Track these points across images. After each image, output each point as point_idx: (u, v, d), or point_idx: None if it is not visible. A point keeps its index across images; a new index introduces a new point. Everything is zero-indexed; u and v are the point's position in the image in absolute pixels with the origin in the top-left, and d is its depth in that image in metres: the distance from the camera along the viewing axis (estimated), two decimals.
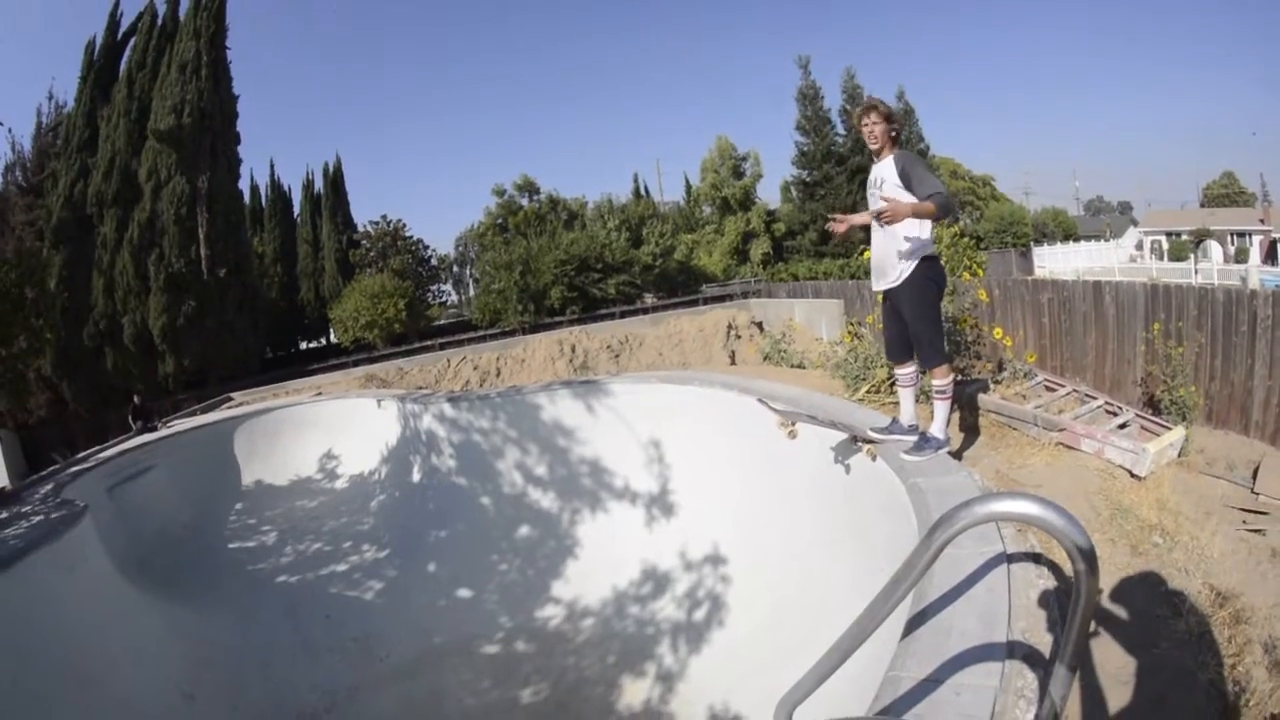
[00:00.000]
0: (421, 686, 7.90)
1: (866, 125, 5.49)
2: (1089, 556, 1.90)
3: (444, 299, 46.00)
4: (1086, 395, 7.64)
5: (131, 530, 9.28)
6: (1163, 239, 53.83)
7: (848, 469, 6.16)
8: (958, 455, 5.90)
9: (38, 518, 7.60)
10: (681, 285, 38.96)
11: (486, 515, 10.39)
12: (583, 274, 33.21)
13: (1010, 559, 3.67)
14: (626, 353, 26.05)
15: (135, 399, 15.88)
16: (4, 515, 7.59)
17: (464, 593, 9.30)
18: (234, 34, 27.50)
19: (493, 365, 24.63)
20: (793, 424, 6.59)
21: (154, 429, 13.39)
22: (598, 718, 6.87)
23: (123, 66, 26.31)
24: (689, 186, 54.37)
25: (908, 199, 5.05)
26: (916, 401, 5.96)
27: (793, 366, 15.12)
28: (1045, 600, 3.37)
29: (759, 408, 7.75)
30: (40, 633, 5.96)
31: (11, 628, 5.67)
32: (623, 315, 31.53)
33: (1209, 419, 9.43)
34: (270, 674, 7.76)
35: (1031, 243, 51.68)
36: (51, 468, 10.80)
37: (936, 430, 5.56)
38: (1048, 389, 7.91)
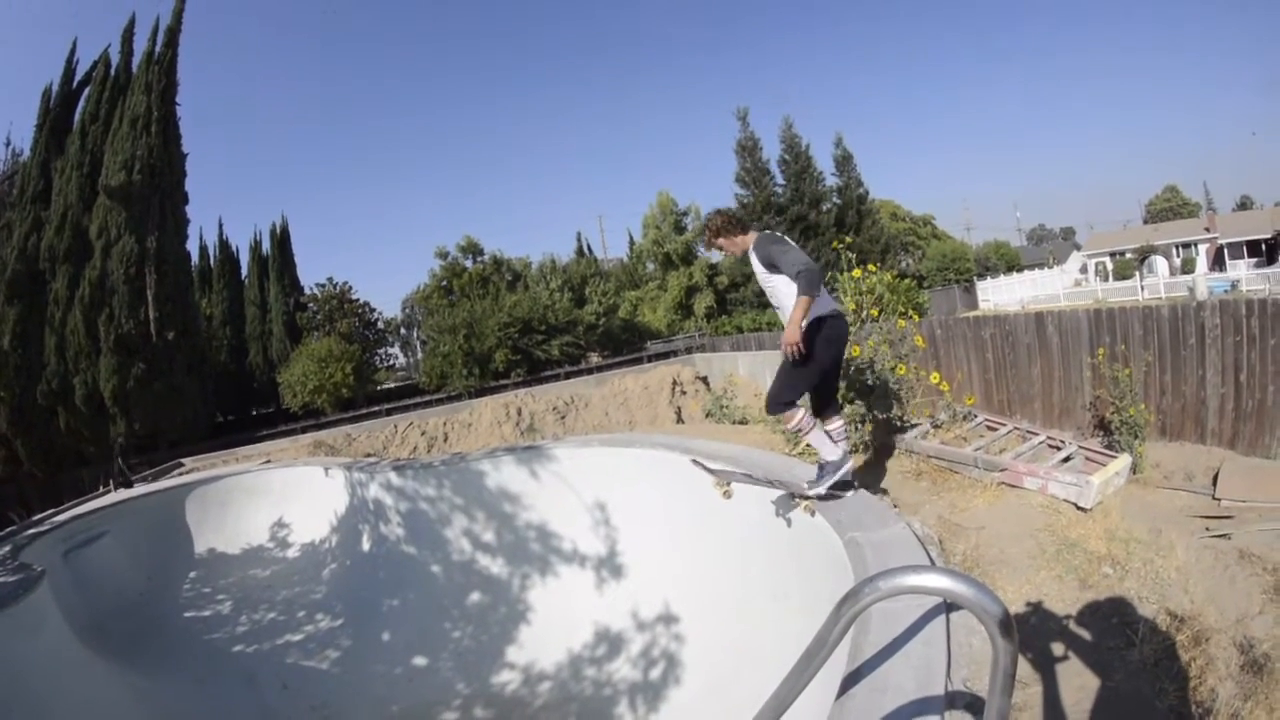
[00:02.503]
0: None
1: (715, 248, 5.89)
2: (1004, 623, 2.07)
3: (391, 362, 45.87)
4: (1028, 432, 7.82)
5: (88, 598, 9.31)
6: (1107, 260, 55.45)
7: (789, 523, 6.30)
8: (898, 503, 6.09)
9: None
10: (626, 343, 39.43)
11: (437, 583, 10.49)
12: (526, 336, 33.50)
13: (949, 607, 3.69)
14: (572, 414, 26.35)
15: (120, 439, 15.83)
16: None
17: (419, 660, 9.39)
18: (183, 90, 27.70)
19: (440, 430, 24.79)
20: (727, 484, 6.88)
21: (130, 484, 13.50)
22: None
23: (76, 117, 26.40)
24: (632, 243, 54.92)
25: (781, 282, 5.33)
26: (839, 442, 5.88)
27: (735, 423, 15.50)
28: (986, 646, 3.40)
29: (698, 472, 7.80)
30: (7, 697, 6.02)
31: None
32: (568, 376, 31.92)
33: (1163, 433, 9.63)
34: None
35: (975, 277, 52.82)
36: (8, 529, 10.82)
37: (827, 456, 5.70)
38: (989, 428, 8.06)
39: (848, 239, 9.23)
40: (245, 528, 12.79)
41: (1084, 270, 57.32)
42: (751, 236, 5.69)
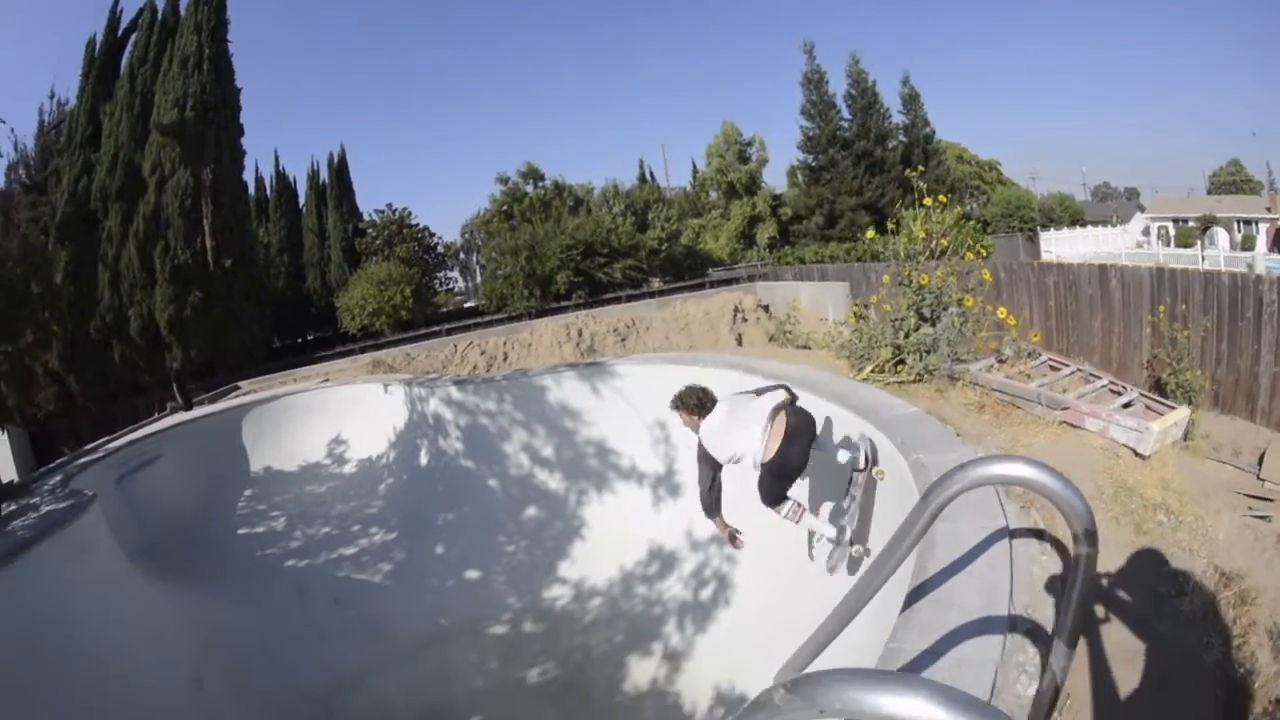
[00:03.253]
0: (429, 668, 7.93)
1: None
2: (1089, 527, 1.84)
3: (450, 286, 45.90)
4: (1091, 375, 7.50)
5: (141, 520, 9.24)
6: (1169, 225, 53.28)
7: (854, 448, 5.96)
8: (960, 433, 5.78)
9: (46, 508, 7.55)
10: (688, 269, 38.81)
11: (494, 497, 10.39)
12: (588, 259, 33.03)
13: (1013, 534, 3.63)
14: (633, 336, 25.95)
15: (175, 364, 15.84)
16: (12, 507, 7.54)
17: (472, 574, 9.31)
18: (235, 27, 27.40)
19: (500, 349, 24.55)
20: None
21: (188, 407, 13.58)
22: (604, 697, 6.87)
23: (124, 63, 26.21)
24: (695, 172, 53.97)
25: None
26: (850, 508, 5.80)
27: (798, 348, 15.03)
28: (1047, 576, 3.34)
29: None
30: (48, 622, 5.93)
31: (18, 618, 5.63)
32: (629, 299, 31.38)
33: (1215, 404, 9.41)
34: (278, 658, 7.78)
35: (1038, 227, 51.16)
36: (60, 460, 10.77)
37: (827, 533, 5.82)
38: (1052, 368, 7.79)
39: (920, 168, 8.74)
40: (302, 446, 12.67)
41: (1146, 233, 54.76)
42: (701, 424, 5.92)
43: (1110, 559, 3.84)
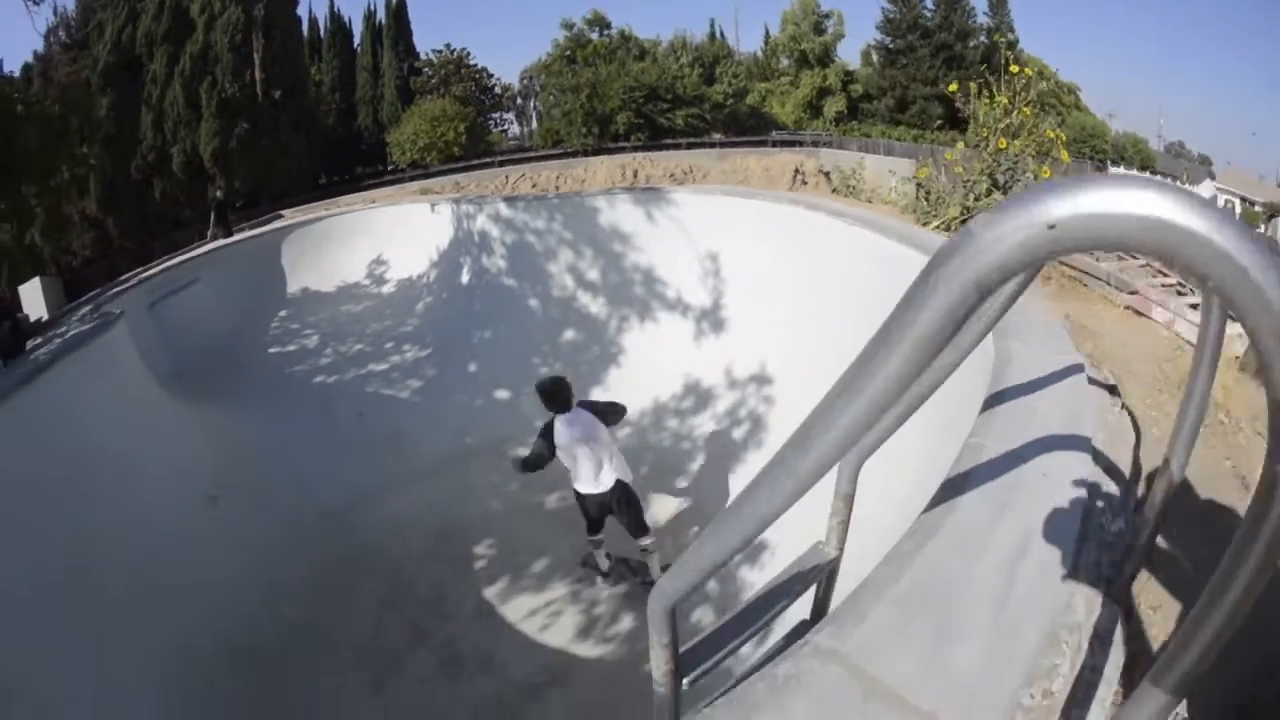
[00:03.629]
0: (449, 486, 7.74)
1: None
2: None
3: (505, 128, 45.12)
4: (1160, 271, 7.27)
5: (172, 345, 9.04)
6: (1236, 202, 50.42)
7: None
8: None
9: (71, 333, 7.39)
10: (750, 128, 37.39)
11: (533, 317, 10.12)
12: (651, 102, 31.96)
13: (1091, 381, 3.36)
14: (689, 183, 25.04)
15: (218, 193, 15.64)
16: (38, 340, 7.37)
17: (501, 394, 9.07)
18: None
19: (551, 183, 23.73)
20: None
21: (231, 232, 13.27)
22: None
23: None
24: (767, 38, 51.53)
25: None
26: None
27: (864, 201, 14.44)
28: (1122, 422, 3.15)
29: (820, 227, 7.61)
30: (69, 435, 5.83)
31: (36, 436, 5.52)
32: (689, 147, 30.31)
33: None
34: (297, 473, 7.63)
35: (1109, 161, 48.61)
36: (92, 293, 10.56)
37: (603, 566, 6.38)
38: (1120, 259, 7.52)
39: (1013, 69, 8.17)
40: (342, 267, 12.37)
41: (1214, 201, 51.69)
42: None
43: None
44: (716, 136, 34.81)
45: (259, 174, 23.96)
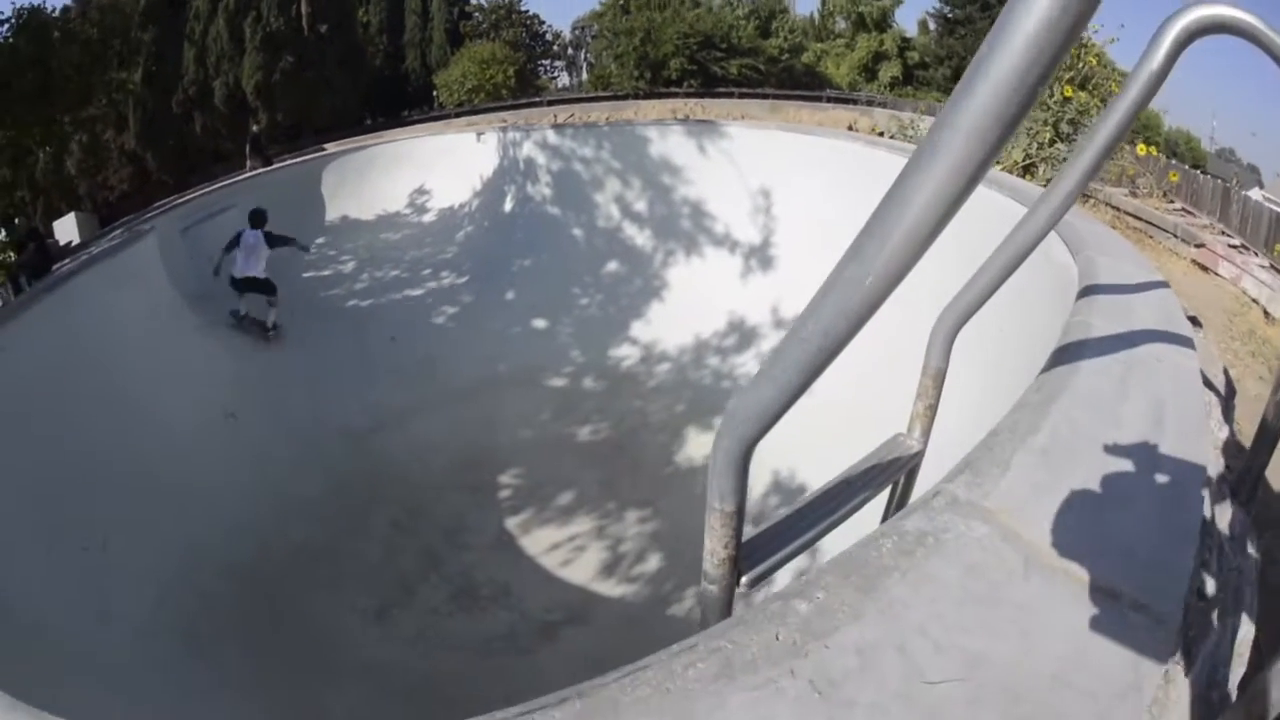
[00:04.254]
0: (477, 413, 7.45)
1: None
2: None
3: (555, 75, 44.82)
4: (1224, 231, 6.91)
5: (203, 269, 8.79)
6: None
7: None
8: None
9: (100, 250, 7.25)
10: (805, 85, 36.67)
11: (576, 247, 9.81)
12: (705, 50, 31.41)
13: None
14: None
15: (254, 127, 15.53)
16: (66, 262, 7.22)
17: (539, 323, 8.82)
18: None
19: (601, 121, 23.61)
20: None
21: (270, 163, 13.10)
22: (655, 466, 6.35)
23: None
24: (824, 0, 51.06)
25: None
26: None
27: None
28: (1207, 347, 3.08)
29: (880, 162, 7.29)
30: (90, 345, 5.65)
31: (60, 340, 5.36)
32: (741, 96, 29.75)
33: None
34: (319, 393, 7.40)
35: (1160, 154, 47.59)
36: (126, 218, 10.42)
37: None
38: (1186, 212, 7.14)
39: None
40: (383, 195, 11.98)
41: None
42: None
43: (1245, 391, 3.89)
44: (769, 90, 34.04)
45: (302, 108, 23.86)
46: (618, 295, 9.03)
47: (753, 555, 1.31)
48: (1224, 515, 1.65)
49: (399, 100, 34.39)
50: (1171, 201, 7.95)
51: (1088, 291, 2.86)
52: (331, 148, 17.06)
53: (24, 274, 9.23)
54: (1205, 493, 1.54)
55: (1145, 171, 9.00)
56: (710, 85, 31.22)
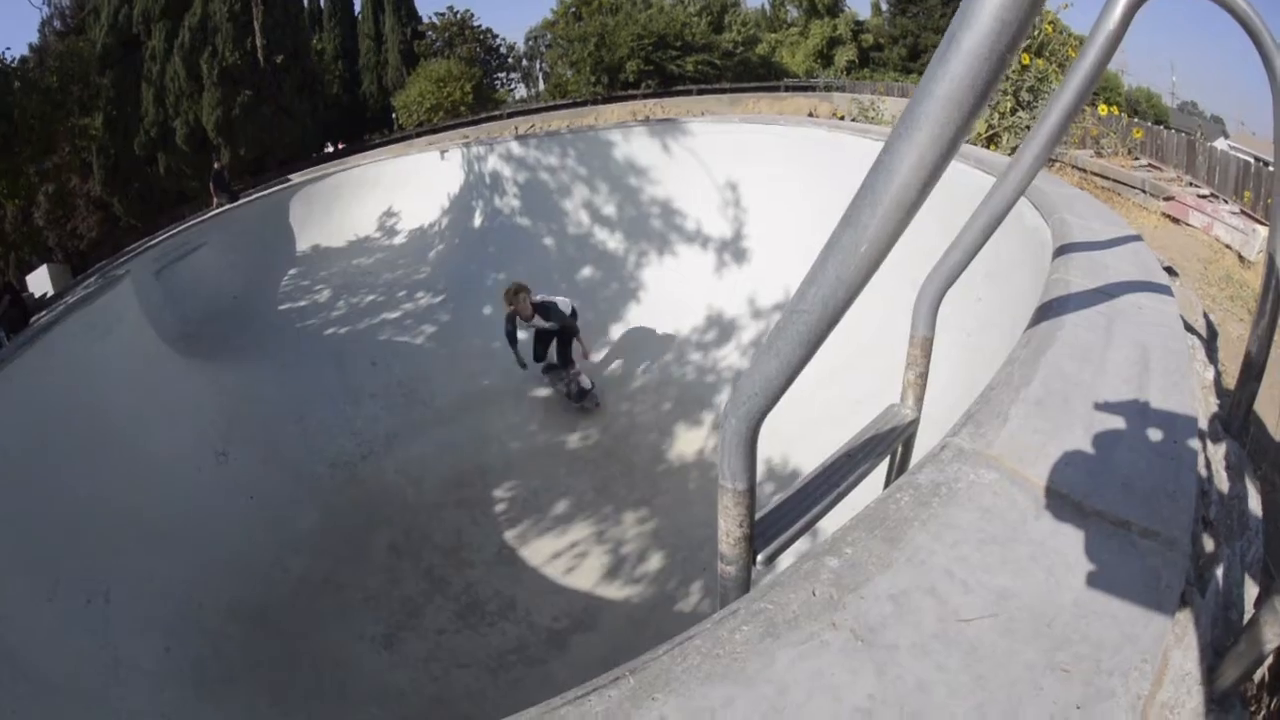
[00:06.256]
0: (465, 430, 7.49)
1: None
2: None
3: (513, 87, 44.86)
4: (1191, 183, 7.03)
5: (180, 309, 8.81)
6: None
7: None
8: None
9: (75, 299, 7.24)
10: (761, 77, 36.80)
11: (548, 256, 9.86)
12: (660, 50, 31.39)
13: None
14: None
15: (216, 164, 15.47)
16: (43, 314, 7.21)
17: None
18: None
19: (562, 129, 23.62)
20: None
21: (237, 198, 13.04)
22: (647, 465, 6.43)
23: None
24: None
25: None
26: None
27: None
28: (1186, 294, 3.23)
29: (846, 146, 7.37)
30: (73, 394, 5.63)
31: (43, 391, 5.34)
32: (700, 93, 29.68)
33: None
34: (307, 425, 7.41)
35: (1123, 113, 48.12)
36: (98, 265, 10.39)
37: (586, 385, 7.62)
38: (1152, 167, 7.25)
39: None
40: (352, 221, 11.99)
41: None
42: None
43: (1230, 335, 4.01)
44: (727, 84, 34.13)
45: (264, 140, 23.83)
46: (595, 300, 9.03)
47: (766, 533, 1.37)
48: (1219, 448, 1.80)
49: (359, 125, 34.30)
50: (1137, 158, 8.05)
51: (1063, 251, 2.94)
52: (296, 178, 16.96)
53: (1, 329, 9.21)
54: (1198, 427, 1.61)
55: (1109, 131, 9.07)
56: (668, 84, 31.23)
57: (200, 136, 23.29)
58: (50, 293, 11.15)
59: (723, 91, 30.19)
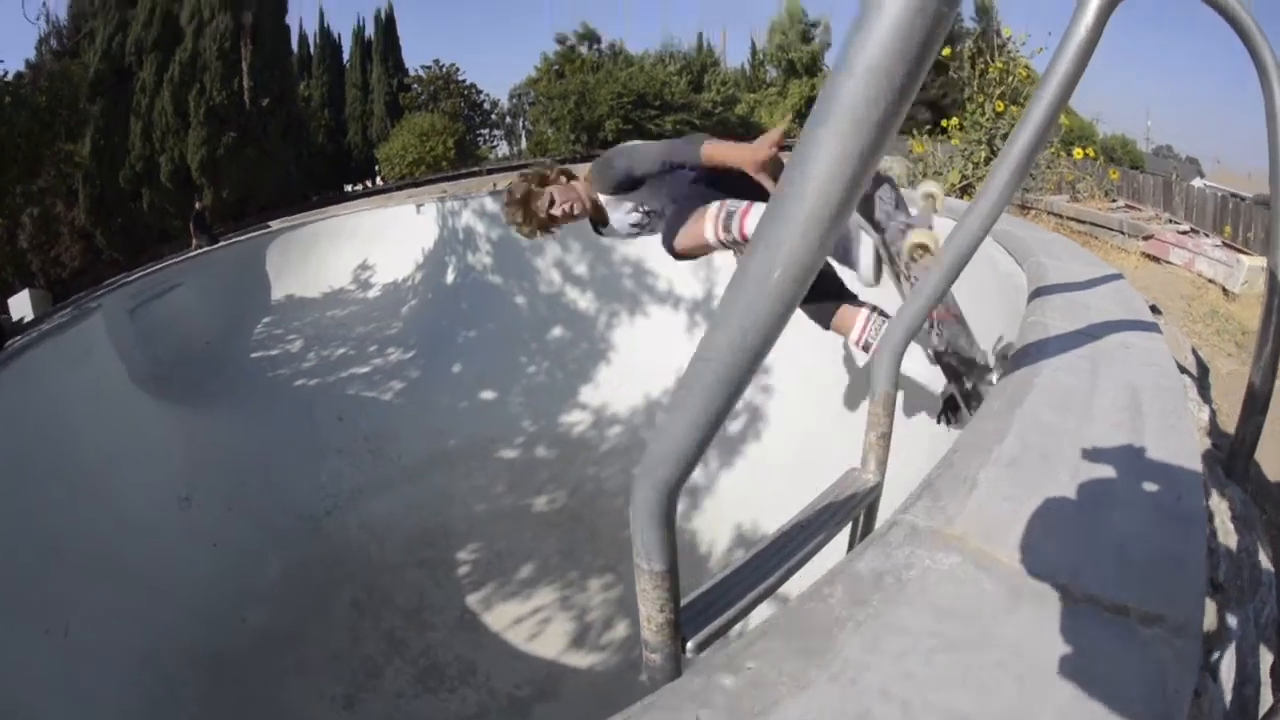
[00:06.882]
0: (430, 489, 7.48)
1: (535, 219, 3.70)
2: None
3: (495, 144, 45.23)
4: (1170, 220, 7.23)
5: (151, 349, 8.76)
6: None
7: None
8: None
9: (49, 327, 7.23)
10: (740, 137, 37.48)
11: (519, 315, 9.88)
12: (640, 109, 31.93)
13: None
14: None
15: (197, 205, 15.51)
16: (18, 339, 7.18)
17: (487, 394, 8.84)
18: None
19: None
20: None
21: (216, 240, 13.10)
22: (613, 530, 6.44)
23: None
24: (754, 51, 51.86)
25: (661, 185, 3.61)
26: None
27: None
28: (1173, 331, 3.36)
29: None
30: (38, 428, 5.57)
31: (12, 415, 5.31)
32: None
33: None
34: (272, 476, 7.36)
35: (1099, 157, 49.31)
36: (75, 296, 10.40)
37: None
38: (1130, 208, 7.42)
39: (990, 66, 8.31)
40: (327, 272, 12.08)
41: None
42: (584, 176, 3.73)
43: (1219, 370, 3.87)
44: None
45: (246, 184, 23.94)
46: (565, 361, 9.09)
47: (697, 617, 1.19)
48: (1221, 496, 1.66)
49: (342, 174, 34.51)
50: (1114, 200, 8.19)
51: (1039, 293, 2.74)
52: (276, 224, 17.09)
53: None
54: (1199, 475, 1.37)
55: (1084, 175, 9.11)
56: None
57: (184, 175, 23.40)
58: (29, 317, 11.12)
59: None
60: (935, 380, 2.18)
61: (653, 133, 31.89)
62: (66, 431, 5.84)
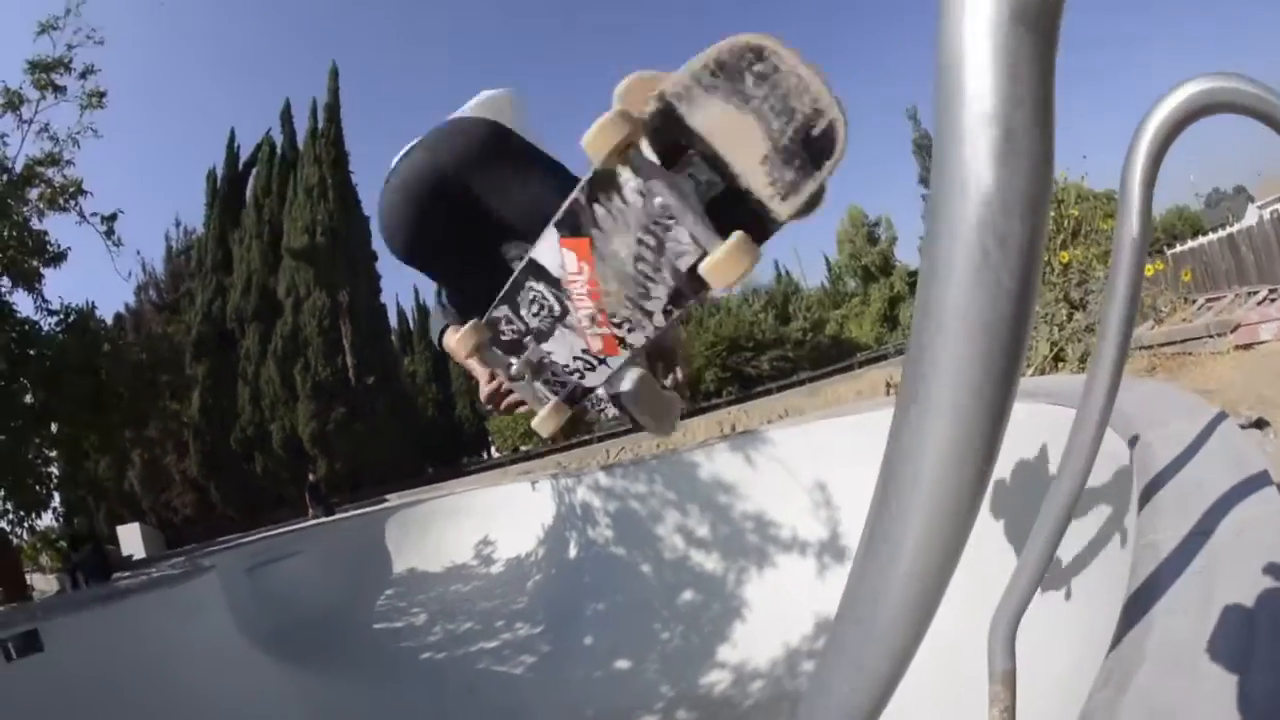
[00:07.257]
0: None
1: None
2: None
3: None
4: (1250, 292, 7.10)
5: (269, 609, 9.03)
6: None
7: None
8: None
9: (159, 575, 7.68)
10: (835, 357, 38.06)
11: (647, 583, 9.74)
12: (734, 354, 32.82)
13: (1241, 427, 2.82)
14: None
15: (310, 476, 16.01)
16: (127, 575, 7.40)
17: (622, 664, 8.60)
18: (357, 159, 29.40)
19: (651, 451, 24.03)
20: None
21: (332, 511, 13.46)
22: None
23: (248, 193, 28.53)
24: (829, 264, 53.85)
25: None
26: None
27: None
28: None
29: None
30: (146, 674, 5.72)
31: (115, 664, 5.45)
32: (780, 389, 30.66)
33: None
34: None
35: (1164, 248, 48.98)
36: (190, 546, 10.79)
37: None
38: (1210, 302, 7.20)
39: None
40: (447, 547, 12.39)
41: (1260, 221, 52.10)
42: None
43: None
44: (803, 374, 35.23)
45: (358, 457, 24.76)
46: (699, 623, 8.86)
47: None
48: None
49: (455, 448, 35.52)
50: (1193, 300, 7.78)
51: (1151, 489, 2.26)
52: (393, 498, 17.57)
53: (80, 572, 9.31)
54: None
55: (1161, 291, 8.61)
56: (747, 386, 32.50)
57: (296, 444, 24.67)
58: (140, 554, 11.42)
59: (800, 384, 31.36)
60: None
61: (750, 375, 32.50)
62: (171, 679, 5.94)
